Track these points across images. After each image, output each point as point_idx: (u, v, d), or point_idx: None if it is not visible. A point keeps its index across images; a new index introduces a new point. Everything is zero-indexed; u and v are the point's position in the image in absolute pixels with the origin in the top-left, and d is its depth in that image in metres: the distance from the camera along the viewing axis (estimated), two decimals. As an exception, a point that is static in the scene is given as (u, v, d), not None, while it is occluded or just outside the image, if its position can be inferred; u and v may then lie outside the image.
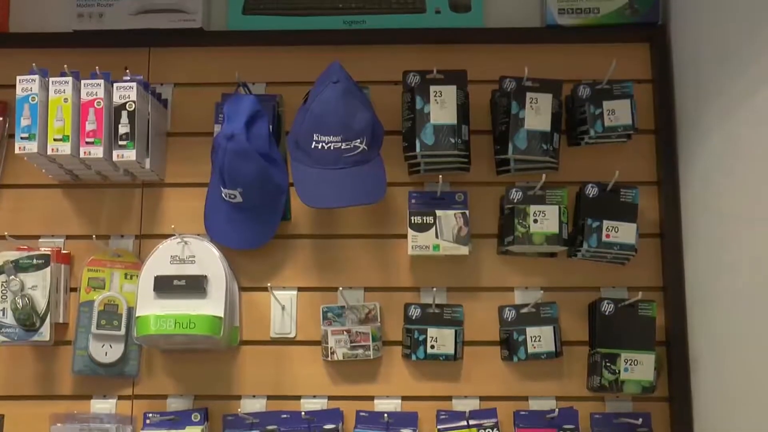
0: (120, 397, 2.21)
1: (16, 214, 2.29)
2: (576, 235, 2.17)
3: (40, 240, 2.27)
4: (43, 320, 2.14)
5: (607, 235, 2.13)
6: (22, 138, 2.08)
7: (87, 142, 2.10)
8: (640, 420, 2.13)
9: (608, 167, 2.17)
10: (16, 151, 2.09)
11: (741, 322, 1.88)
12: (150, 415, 2.16)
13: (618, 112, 2.18)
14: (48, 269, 2.15)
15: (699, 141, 2.11)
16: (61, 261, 2.22)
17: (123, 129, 2.12)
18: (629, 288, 2.20)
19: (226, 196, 2.15)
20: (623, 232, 2.14)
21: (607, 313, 2.13)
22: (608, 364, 2.09)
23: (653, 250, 2.22)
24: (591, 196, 2.17)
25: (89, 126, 2.11)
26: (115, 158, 2.12)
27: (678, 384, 2.14)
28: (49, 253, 2.17)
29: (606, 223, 2.14)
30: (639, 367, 2.09)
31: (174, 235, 2.13)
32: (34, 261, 2.15)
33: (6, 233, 2.16)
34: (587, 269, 2.22)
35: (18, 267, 2.15)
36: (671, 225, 2.20)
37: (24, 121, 2.09)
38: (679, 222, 2.19)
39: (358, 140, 2.10)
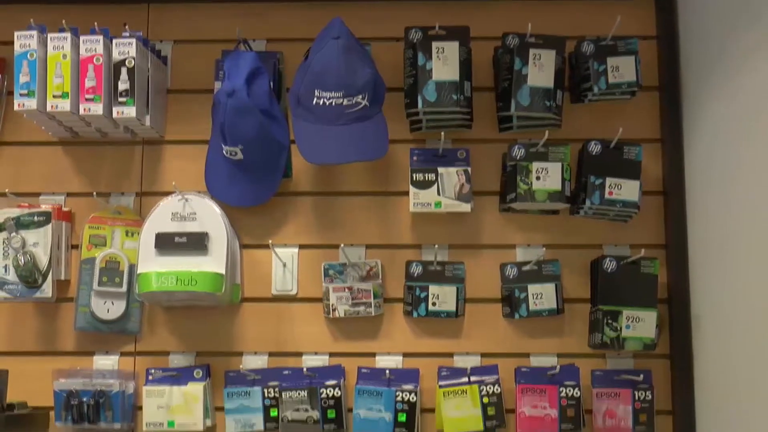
0: (122, 354, 2.21)
1: (16, 172, 2.28)
2: (578, 192, 2.16)
3: (40, 197, 2.26)
4: (45, 277, 2.15)
5: (610, 193, 2.12)
6: (21, 95, 2.07)
7: (86, 99, 2.09)
8: (641, 377, 2.13)
9: (612, 124, 2.16)
10: (16, 108, 2.08)
11: (743, 280, 1.88)
12: (152, 371, 2.17)
13: (622, 69, 2.16)
14: (49, 226, 2.15)
15: (704, 98, 2.09)
16: (62, 218, 2.21)
17: (123, 86, 2.11)
18: (631, 245, 2.19)
19: (226, 153, 2.14)
20: (626, 190, 2.13)
21: (609, 271, 2.13)
22: (610, 321, 2.09)
23: (656, 207, 2.21)
24: (594, 153, 2.15)
25: (88, 83, 2.09)
26: (115, 115, 2.11)
27: (679, 341, 2.14)
28: (50, 210, 2.16)
29: (609, 180, 2.12)
30: (640, 325, 2.09)
31: (175, 192, 2.13)
32: (35, 218, 2.15)
33: (7, 190, 2.15)
34: (589, 227, 2.21)
35: (19, 224, 2.14)
36: (674, 182, 2.19)
37: (23, 78, 2.08)
38: (682, 179, 2.18)
39: (360, 96, 2.08)
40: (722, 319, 1.99)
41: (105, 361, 2.21)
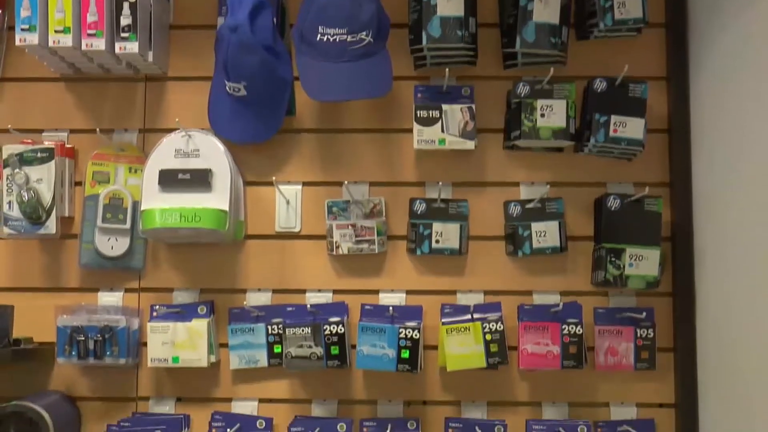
0: (127, 290, 2.22)
1: (18, 108, 2.27)
2: (583, 130, 2.15)
3: (43, 134, 2.25)
4: (48, 213, 2.15)
5: (615, 130, 2.11)
6: (22, 30, 2.06)
7: (88, 34, 2.07)
8: (644, 314, 2.14)
9: (617, 61, 2.14)
10: (17, 43, 2.06)
11: (747, 219, 1.87)
12: (156, 307, 2.18)
13: (628, 5, 2.13)
14: (52, 163, 2.14)
15: (711, 36, 2.07)
16: (65, 155, 2.21)
17: (125, 21, 2.09)
18: (635, 183, 2.19)
19: (230, 89, 2.13)
20: (631, 127, 2.12)
21: (613, 209, 2.13)
22: (613, 259, 2.09)
23: (661, 145, 2.20)
24: (599, 90, 2.14)
25: (90, 17, 2.07)
26: (117, 51, 2.10)
27: (682, 279, 2.15)
28: (53, 146, 2.16)
29: (614, 118, 2.11)
30: (644, 262, 2.10)
31: (178, 128, 2.12)
32: (38, 154, 2.15)
33: (9, 126, 2.14)
34: (594, 164, 2.20)
35: (22, 160, 2.14)
36: (679, 120, 2.17)
37: (24, 12, 2.06)
38: (687, 117, 2.17)
39: (364, 32, 2.06)
40: (725, 258, 1.99)
41: (109, 298, 2.22)
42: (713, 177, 2.06)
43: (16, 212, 2.14)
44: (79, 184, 2.24)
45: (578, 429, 2.09)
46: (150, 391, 2.20)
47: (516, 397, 2.17)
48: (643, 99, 2.13)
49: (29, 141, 2.18)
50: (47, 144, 2.17)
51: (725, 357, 1.98)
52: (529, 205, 2.17)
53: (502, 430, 2.11)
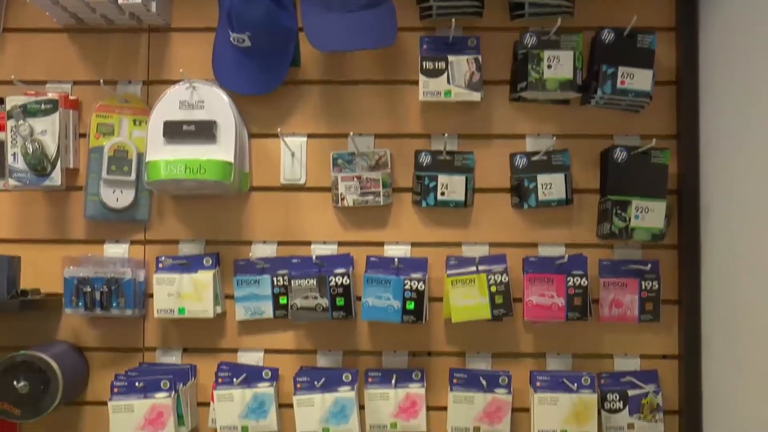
0: (132, 242, 2.23)
1: (21, 59, 2.26)
2: (590, 81, 2.14)
3: (46, 85, 2.24)
4: (53, 165, 2.14)
5: (622, 82, 2.10)
6: (24, -21, 2.04)
7: (91, -17, 2.06)
8: (649, 266, 2.14)
9: (625, 12, 2.12)
10: (20, -8, 2.05)
11: (754, 171, 1.86)
12: (162, 259, 2.18)
13: (637, -46, 2.11)
14: (56, 114, 2.13)
15: (720, -14, 2.04)
16: (69, 107, 2.20)
17: (128, -30, 2.07)
18: (642, 136, 2.18)
19: (234, 40, 2.11)
20: (639, 79, 2.10)
21: (619, 161, 2.12)
22: (619, 211, 2.09)
23: (668, 97, 2.19)
24: (607, 41, 2.12)
25: (93, -33, 2.06)
26: (120, 1, 2.08)
27: (687, 232, 2.14)
28: (56, 98, 2.15)
29: (621, 69, 2.09)
30: (649, 215, 2.09)
31: (182, 80, 2.10)
32: (42, 106, 2.14)
33: (13, 77, 2.13)
34: (600, 116, 2.19)
35: (26, 112, 2.13)
36: (688, 72, 2.15)
37: (26, -38, 2.04)
38: (696, 69, 2.15)
39: (369, -18, 2.04)
40: (731, 210, 1.98)
41: (115, 250, 2.23)
42: (721, 129, 2.04)
43: (21, 164, 2.13)
44: (83, 136, 2.23)
45: (582, 380, 2.10)
46: (156, 342, 2.22)
47: (520, 348, 2.19)
48: (652, 50, 2.11)
49: (33, 92, 2.17)
50: (51, 95, 2.16)
51: (729, 309, 1.98)
52: (535, 158, 2.16)
53: (507, 380, 2.12)
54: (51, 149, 2.14)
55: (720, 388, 2.03)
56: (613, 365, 2.17)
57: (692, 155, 2.14)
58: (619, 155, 2.12)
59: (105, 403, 2.07)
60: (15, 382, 2.01)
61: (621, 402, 2.13)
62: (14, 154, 2.14)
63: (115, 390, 2.07)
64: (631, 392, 2.13)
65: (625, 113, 2.18)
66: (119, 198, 2.19)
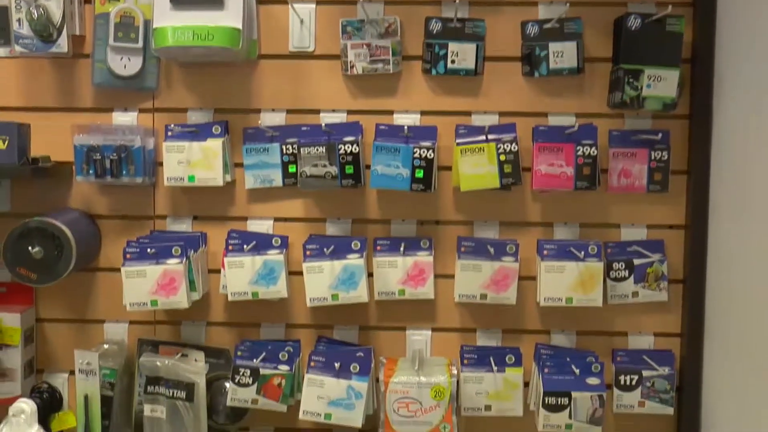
0: (141, 110, 2.22)
1: None
2: (606, -55, 2.09)
3: (49, -51, 2.20)
4: (59, 31, 2.12)
5: (639, -54, 2.05)
6: None
7: None
8: (659, 136, 2.14)
9: None
10: None
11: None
12: (171, 127, 2.18)
13: None
14: (60, -22, 2.10)
15: None
16: (73, -30, 2.16)
17: None
18: (657, 2, 2.13)
19: None
20: (655, -57, 2.05)
21: (633, 29, 2.08)
22: (631, 80, 2.07)
23: (685, -38, 2.14)
24: None
25: None
26: None
27: (700, 101, 2.12)
28: (60, -39, 2.11)
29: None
30: (662, 83, 2.07)
31: (188, -57, 2.06)
32: (46, -30, 2.10)
33: (15, -61, 2.09)
34: (615, -18, 2.15)
35: (30, -24, 2.10)
36: (707, -65, 2.10)
37: None
38: (715, -65, 2.09)
39: None
40: (745, 79, 1.96)
41: (124, 118, 2.22)
42: (738, -4, 2.01)
43: (26, 30, 2.11)
44: (88, 1, 2.19)
45: (589, 249, 2.12)
46: (167, 210, 2.23)
47: (528, 217, 2.20)
48: None
49: (36, -44, 2.13)
50: (54, -41, 2.12)
51: (739, 178, 1.98)
52: (547, 25, 2.13)
53: (514, 249, 2.14)
54: (56, 15, 2.11)
55: (725, 258, 2.05)
56: (620, 235, 2.19)
57: (708, 23, 2.10)
58: (633, 23, 2.08)
59: (118, 270, 2.09)
60: (30, 248, 2.04)
61: (626, 271, 2.15)
62: (19, 20, 2.11)
63: (128, 256, 2.09)
64: (636, 261, 2.15)
65: (640, -21, 2.14)
66: (127, 65, 2.17)
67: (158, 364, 2.17)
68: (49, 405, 2.21)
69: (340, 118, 2.18)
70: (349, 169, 2.11)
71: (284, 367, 2.12)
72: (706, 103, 2.11)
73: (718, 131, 2.09)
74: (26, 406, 2.00)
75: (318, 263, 2.11)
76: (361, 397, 2.06)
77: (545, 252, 2.13)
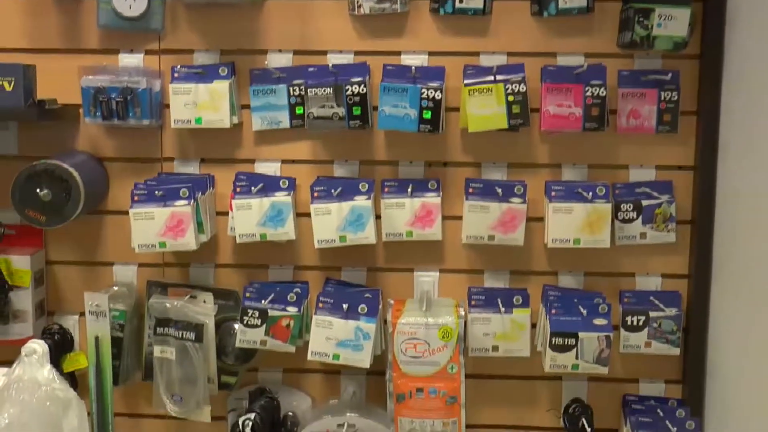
0: (147, 52, 2.21)
1: None
2: None
3: None
4: (63, -29, 2.10)
5: None
6: None
7: None
8: (669, 76, 2.12)
9: None
10: None
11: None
12: (178, 68, 2.16)
13: None
14: None
15: None
16: None
17: None
18: (670, -61, 2.10)
19: None
20: None
21: (644, -34, 2.05)
22: (641, 19, 2.04)
23: None
24: None
25: None
26: None
27: (711, 41, 2.10)
28: None
29: None
30: (673, 23, 2.04)
31: None
32: None
33: None
34: None
35: None
36: None
37: None
38: None
39: None
40: (758, 17, 1.93)
41: (130, 59, 2.21)
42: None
43: (30, -30, 2.09)
44: (92, -59, 2.18)
45: (597, 190, 2.12)
46: (174, 152, 2.23)
47: (536, 158, 2.19)
48: None
49: None
50: None
51: (748, 120, 1.96)
52: (557, -37, 2.10)
53: (522, 190, 2.14)
54: (60, -45, 2.10)
55: (734, 199, 2.04)
56: (628, 176, 2.18)
57: (720, -40, 2.07)
58: (644, -40, 2.05)
59: (126, 212, 2.10)
60: (38, 190, 2.04)
61: (634, 212, 2.15)
62: (23, -40, 2.10)
63: (136, 198, 2.10)
64: (644, 202, 2.15)
65: None
66: (132, 6, 2.15)
67: (167, 305, 2.19)
68: (60, 346, 2.23)
69: (347, 59, 2.17)
70: (357, 111, 2.10)
71: (293, 309, 2.13)
72: (717, 43, 2.09)
73: (729, 71, 2.07)
74: (38, 346, 2.02)
75: (325, 205, 2.11)
76: (369, 338, 2.07)
77: (553, 193, 2.13)
